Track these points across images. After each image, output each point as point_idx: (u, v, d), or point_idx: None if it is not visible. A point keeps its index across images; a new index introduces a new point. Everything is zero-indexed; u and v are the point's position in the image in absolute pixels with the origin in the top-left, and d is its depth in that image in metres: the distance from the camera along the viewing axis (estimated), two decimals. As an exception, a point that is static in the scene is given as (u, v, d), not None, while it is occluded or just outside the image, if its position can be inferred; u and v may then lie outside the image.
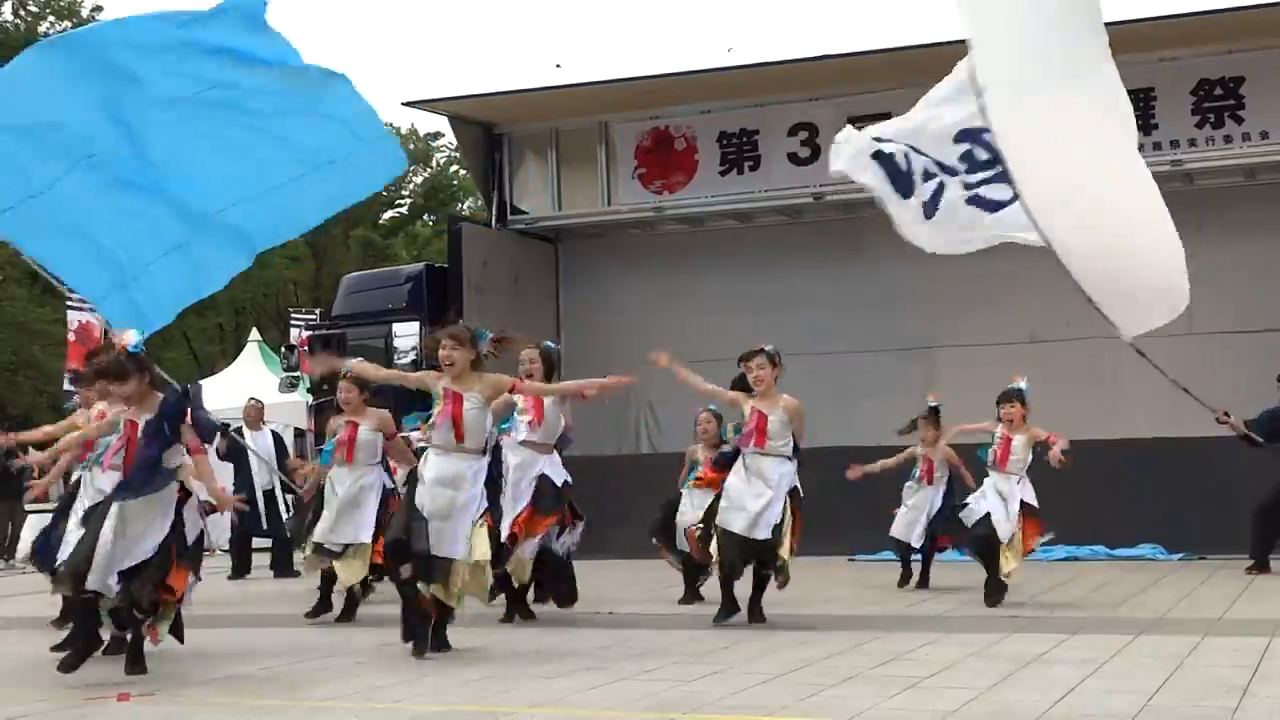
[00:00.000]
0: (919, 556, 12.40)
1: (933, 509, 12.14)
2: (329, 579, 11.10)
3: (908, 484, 12.37)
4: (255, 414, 16.26)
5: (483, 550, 8.40)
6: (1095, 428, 15.75)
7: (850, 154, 8.94)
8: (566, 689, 7.21)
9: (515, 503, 9.93)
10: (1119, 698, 6.52)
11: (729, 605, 9.91)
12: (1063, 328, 16.70)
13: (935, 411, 12.33)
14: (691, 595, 11.53)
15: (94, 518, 7.85)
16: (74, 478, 9.57)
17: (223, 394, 20.99)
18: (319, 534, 10.74)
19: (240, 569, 16.11)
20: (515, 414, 10.14)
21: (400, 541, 8.39)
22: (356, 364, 9.51)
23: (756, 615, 9.80)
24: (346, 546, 10.71)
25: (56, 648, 9.01)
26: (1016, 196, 6.48)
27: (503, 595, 10.30)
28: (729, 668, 7.81)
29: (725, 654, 8.39)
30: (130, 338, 7.89)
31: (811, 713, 6.38)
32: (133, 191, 9.02)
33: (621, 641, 9.11)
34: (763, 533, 9.64)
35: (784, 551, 9.69)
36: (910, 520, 12.26)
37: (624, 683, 7.37)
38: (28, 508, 21.17)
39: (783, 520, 9.68)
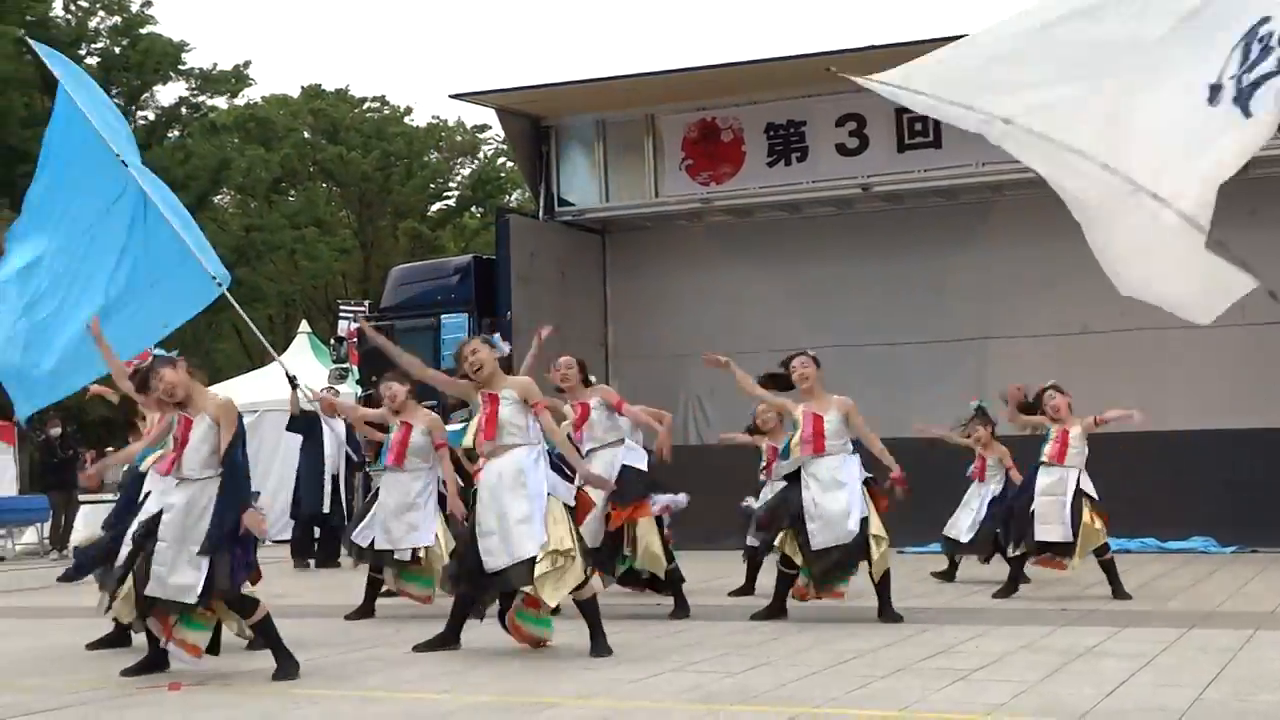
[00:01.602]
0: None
1: (983, 507, 12.08)
2: (375, 584, 10.86)
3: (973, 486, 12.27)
4: (332, 405, 16.42)
5: (559, 537, 8.06)
6: (1148, 419, 15.65)
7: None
8: (613, 680, 7.24)
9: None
10: (1170, 691, 6.50)
11: (778, 607, 9.85)
12: (1116, 318, 16.58)
13: (982, 411, 12.27)
14: (747, 588, 11.53)
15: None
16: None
17: (273, 385, 21.13)
18: (362, 537, 10.58)
19: (304, 555, 16.30)
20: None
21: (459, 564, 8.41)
22: (406, 358, 9.15)
23: (889, 615, 9.48)
24: (412, 553, 10.45)
25: (93, 645, 9.17)
26: None
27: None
28: (777, 659, 7.83)
29: (773, 646, 8.40)
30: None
31: (860, 705, 6.39)
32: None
33: (669, 633, 9.14)
34: (848, 531, 9.43)
35: (875, 545, 9.50)
36: (966, 519, 12.17)
37: (671, 674, 7.40)
38: (81, 498, 21.51)
39: (867, 515, 9.55)
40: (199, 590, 7.47)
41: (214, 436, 7.61)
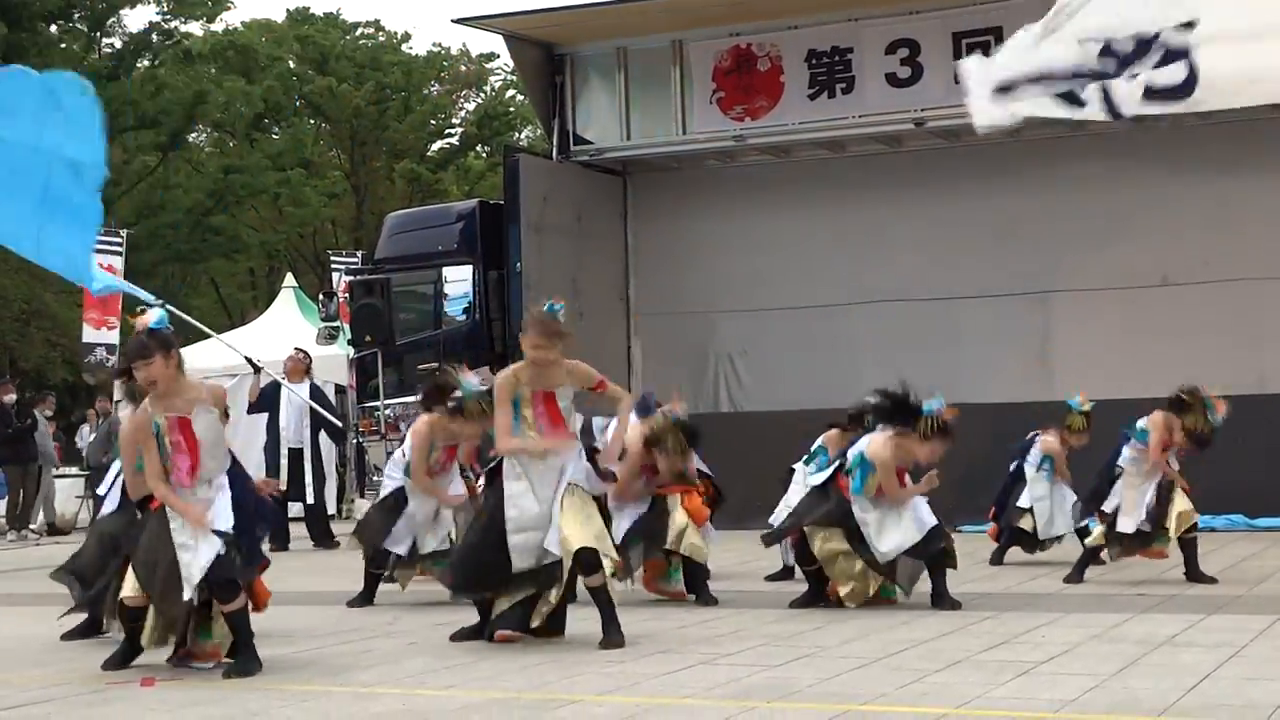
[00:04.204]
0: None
1: (1067, 501, 12.05)
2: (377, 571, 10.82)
3: (1038, 472, 12.22)
4: (297, 367, 16.37)
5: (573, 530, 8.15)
6: (1236, 381, 15.55)
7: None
8: (639, 674, 7.25)
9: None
10: (1260, 685, 6.49)
11: (816, 594, 9.85)
12: (1200, 268, 16.54)
13: (1085, 416, 12.16)
14: (786, 573, 11.54)
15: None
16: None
17: (254, 346, 21.18)
18: (397, 545, 10.53)
19: (280, 540, 16.31)
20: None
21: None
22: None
23: (948, 602, 9.45)
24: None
25: (68, 635, 9.23)
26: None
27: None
28: (820, 651, 7.84)
29: (816, 636, 8.42)
30: (152, 316, 7.78)
31: (913, 701, 6.40)
32: None
33: (700, 622, 9.15)
34: (921, 526, 9.42)
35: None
36: (1049, 513, 12.13)
37: (702, 667, 7.41)
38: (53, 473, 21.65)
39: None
40: (203, 564, 7.43)
41: (220, 425, 7.70)
